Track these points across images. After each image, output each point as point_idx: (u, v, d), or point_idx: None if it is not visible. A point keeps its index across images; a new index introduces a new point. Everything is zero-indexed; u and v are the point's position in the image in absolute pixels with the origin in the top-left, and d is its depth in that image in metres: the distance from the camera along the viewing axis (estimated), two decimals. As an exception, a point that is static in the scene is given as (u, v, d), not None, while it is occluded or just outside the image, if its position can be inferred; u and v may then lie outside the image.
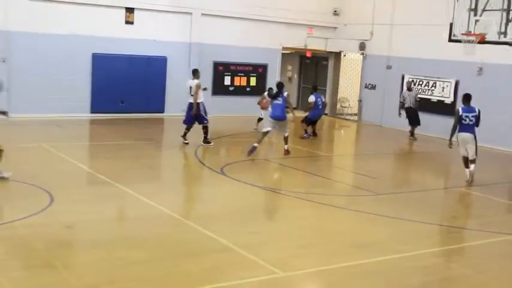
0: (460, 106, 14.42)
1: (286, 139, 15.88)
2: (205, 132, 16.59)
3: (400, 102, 20.93)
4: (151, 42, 21.31)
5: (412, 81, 21.66)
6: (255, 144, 15.06)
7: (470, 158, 13.97)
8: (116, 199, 11.12)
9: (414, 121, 20.42)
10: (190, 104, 16.45)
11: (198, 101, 16.37)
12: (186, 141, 16.45)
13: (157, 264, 7.85)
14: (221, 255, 8.33)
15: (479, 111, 13.90)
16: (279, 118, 15.65)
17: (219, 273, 7.69)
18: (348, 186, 13.88)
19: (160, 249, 8.46)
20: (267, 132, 15.68)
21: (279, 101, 15.62)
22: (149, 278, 7.36)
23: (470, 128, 13.83)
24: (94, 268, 7.62)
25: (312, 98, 19.16)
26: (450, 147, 13.93)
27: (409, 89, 20.60)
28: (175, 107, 21.16)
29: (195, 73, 16.79)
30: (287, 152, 15.76)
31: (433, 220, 11.01)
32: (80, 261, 7.96)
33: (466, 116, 13.75)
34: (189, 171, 14.79)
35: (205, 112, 16.58)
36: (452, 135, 13.92)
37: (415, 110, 20.36)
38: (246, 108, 22.67)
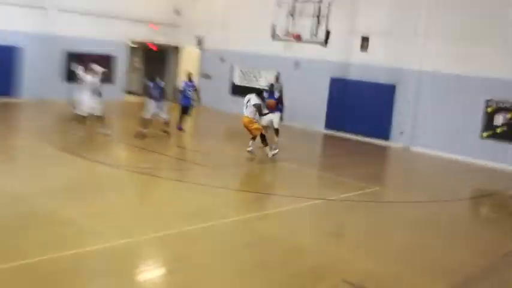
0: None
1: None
2: None
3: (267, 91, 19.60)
4: (5, 33, 19.70)
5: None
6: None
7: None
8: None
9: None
10: None
11: None
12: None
13: None
14: (65, 227, 7.80)
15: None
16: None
17: (62, 242, 7.20)
18: (184, 162, 13.73)
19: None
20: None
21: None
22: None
23: None
24: None
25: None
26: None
27: (277, 80, 18.40)
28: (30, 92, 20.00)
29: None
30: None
31: (255, 189, 11.19)
32: None
33: None
34: (36, 150, 13.67)
35: None
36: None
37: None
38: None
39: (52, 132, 15.37)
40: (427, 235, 9.31)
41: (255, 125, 13.91)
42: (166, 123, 15.79)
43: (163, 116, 15.69)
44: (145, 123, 15.25)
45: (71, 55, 21.45)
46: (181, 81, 17.34)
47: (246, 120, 13.88)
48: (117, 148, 14.60)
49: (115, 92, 22.72)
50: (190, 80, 17.32)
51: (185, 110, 17.10)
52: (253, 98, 13.79)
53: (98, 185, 10.39)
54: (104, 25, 22.41)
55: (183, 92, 17.06)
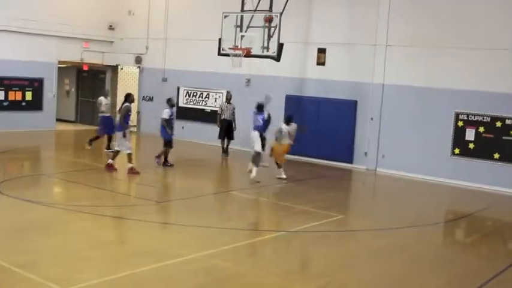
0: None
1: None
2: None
3: (218, 114, 19.98)
4: None
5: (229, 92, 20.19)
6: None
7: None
8: None
9: (228, 134, 19.78)
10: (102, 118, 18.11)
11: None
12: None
13: None
14: (-5, 277, 7.73)
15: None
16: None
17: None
18: (129, 197, 13.71)
19: None
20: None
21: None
22: None
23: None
24: None
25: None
26: None
27: (228, 101, 19.83)
28: None
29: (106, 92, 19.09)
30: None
31: (210, 223, 11.25)
32: None
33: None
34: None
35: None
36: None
37: (231, 123, 19.73)
38: (22, 123, 21.59)
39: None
40: (400, 265, 9.56)
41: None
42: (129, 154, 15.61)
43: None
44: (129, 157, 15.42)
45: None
46: (165, 110, 16.81)
47: (285, 148, 15.97)
48: (50, 184, 14.46)
49: (43, 120, 22.64)
50: (172, 106, 17.12)
51: (170, 144, 16.99)
52: (283, 126, 15.92)
53: (32, 228, 10.25)
54: (29, 45, 22.25)
55: (169, 123, 16.73)
